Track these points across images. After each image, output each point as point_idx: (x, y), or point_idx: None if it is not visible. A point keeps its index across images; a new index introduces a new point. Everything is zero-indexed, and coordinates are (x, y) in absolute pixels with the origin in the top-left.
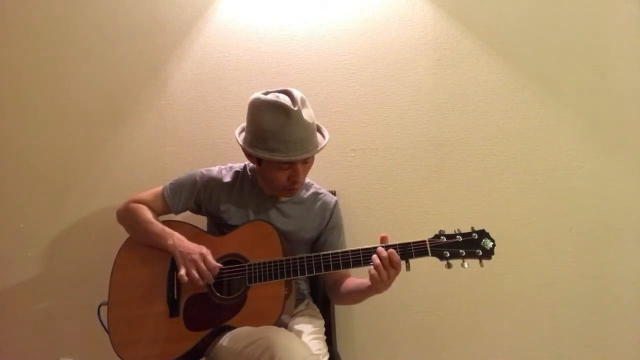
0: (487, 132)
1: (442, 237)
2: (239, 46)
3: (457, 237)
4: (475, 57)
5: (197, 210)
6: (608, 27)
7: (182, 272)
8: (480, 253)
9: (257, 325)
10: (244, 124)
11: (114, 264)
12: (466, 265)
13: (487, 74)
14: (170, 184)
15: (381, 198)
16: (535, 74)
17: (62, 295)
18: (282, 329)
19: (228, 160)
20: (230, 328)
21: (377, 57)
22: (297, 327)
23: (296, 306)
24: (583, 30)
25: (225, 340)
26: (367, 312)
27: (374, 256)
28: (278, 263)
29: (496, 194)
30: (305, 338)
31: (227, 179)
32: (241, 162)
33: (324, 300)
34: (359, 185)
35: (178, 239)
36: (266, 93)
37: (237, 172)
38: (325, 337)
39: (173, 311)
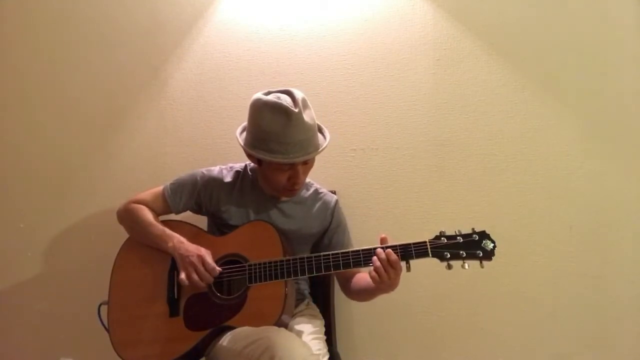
0: (487, 132)
1: (442, 238)
2: (239, 46)
3: (458, 238)
4: (475, 57)
5: (198, 210)
6: (608, 27)
7: (183, 275)
8: (481, 254)
9: (257, 325)
10: (245, 123)
11: (114, 264)
12: (467, 267)
13: (487, 74)
14: (171, 184)
15: (381, 198)
16: (535, 74)
17: (62, 295)
18: (282, 329)
19: (228, 160)
20: (230, 328)
21: (377, 57)
22: (297, 327)
23: (296, 306)
24: (583, 30)
25: (225, 340)
26: (367, 312)
27: (374, 258)
28: (278, 263)
29: (496, 194)
30: (306, 338)
31: (228, 179)
32: (242, 162)
33: (324, 300)
34: (359, 185)
35: (178, 241)
36: (267, 93)
37: (237, 172)
38: (325, 337)
39: (173, 311)
